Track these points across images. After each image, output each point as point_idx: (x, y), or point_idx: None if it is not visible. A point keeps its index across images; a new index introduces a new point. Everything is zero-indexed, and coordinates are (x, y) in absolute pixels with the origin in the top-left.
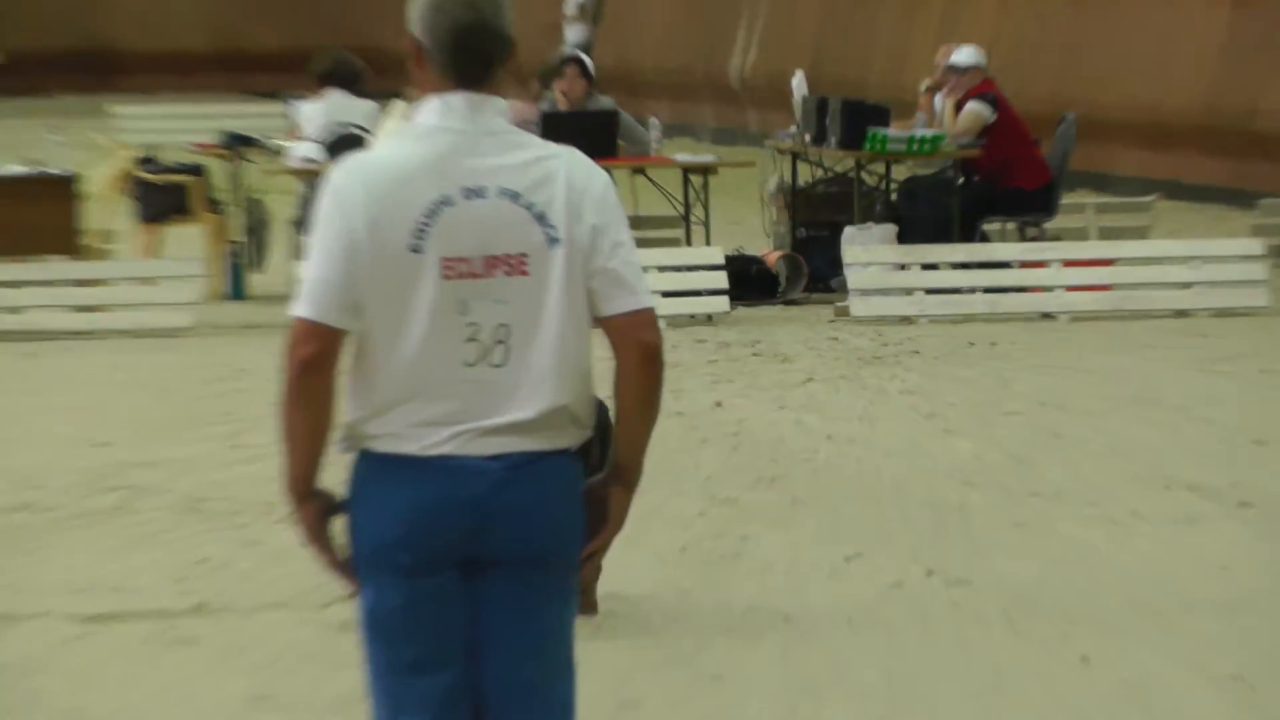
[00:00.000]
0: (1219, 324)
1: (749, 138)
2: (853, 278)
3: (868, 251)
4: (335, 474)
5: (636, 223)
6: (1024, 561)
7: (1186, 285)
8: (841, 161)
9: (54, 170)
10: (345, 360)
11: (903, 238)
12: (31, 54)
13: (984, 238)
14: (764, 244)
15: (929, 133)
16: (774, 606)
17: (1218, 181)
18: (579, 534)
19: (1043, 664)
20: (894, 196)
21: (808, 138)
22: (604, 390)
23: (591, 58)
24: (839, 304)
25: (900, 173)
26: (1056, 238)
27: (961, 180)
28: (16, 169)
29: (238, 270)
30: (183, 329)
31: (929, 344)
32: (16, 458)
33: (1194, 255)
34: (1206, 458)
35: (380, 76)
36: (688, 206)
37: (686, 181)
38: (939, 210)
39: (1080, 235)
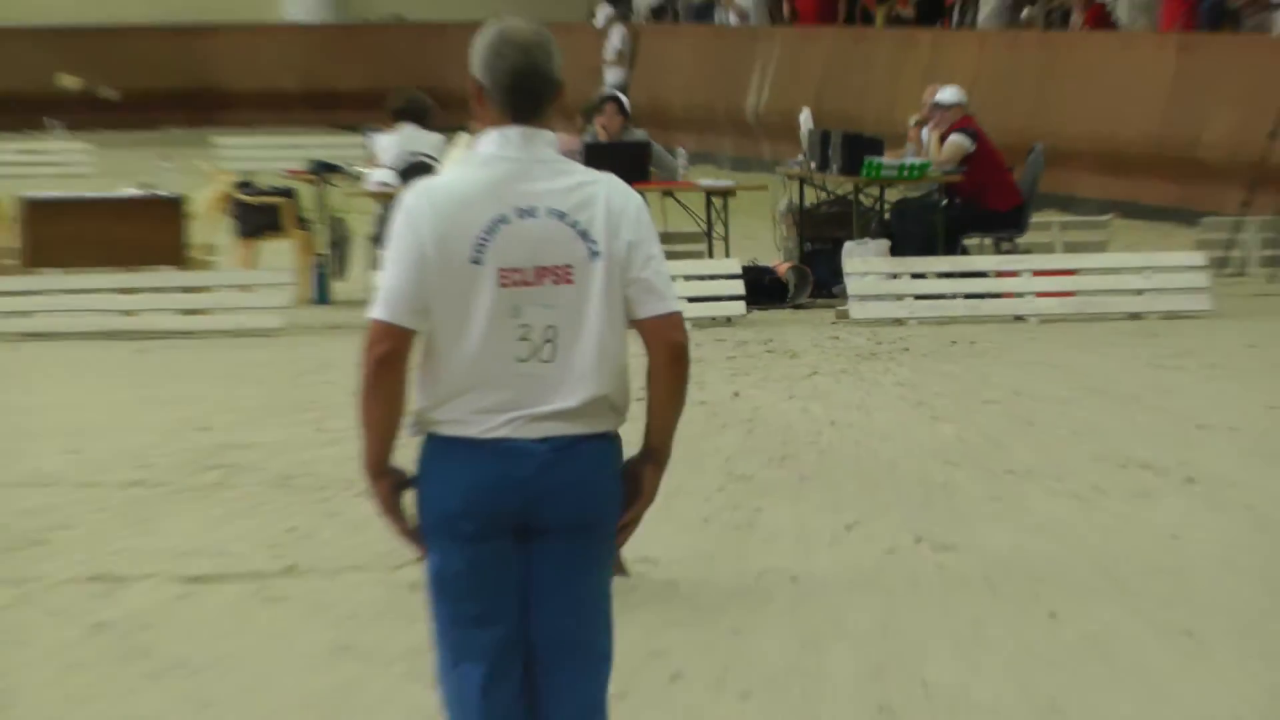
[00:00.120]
0: (1167, 325)
1: (762, 165)
2: (852, 285)
3: (865, 263)
4: (406, 454)
5: (665, 238)
6: (1000, 530)
7: (1139, 292)
8: (842, 185)
9: (164, 193)
10: (415, 356)
11: (895, 251)
12: (144, 92)
13: (964, 251)
14: (775, 256)
15: (917, 161)
16: (783, 569)
17: (1166, 202)
18: (617, 506)
19: (1016, 619)
20: (887, 215)
21: (813, 165)
22: (637, 382)
23: (627, 97)
24: (840, 308)
25: (893, 195)
26: (1027, 251)
27: (945, 202)
28: (132, 191)
29: (323, 279)
30: (275, 329)
31: (917, 343)
32: (131, 440)
33: (1146, 266)
34: (1157, 440)
35: (447, 112)
36: (710, 224)
37: (709, 203)
38: (926, 227)
39: (1047, 248)
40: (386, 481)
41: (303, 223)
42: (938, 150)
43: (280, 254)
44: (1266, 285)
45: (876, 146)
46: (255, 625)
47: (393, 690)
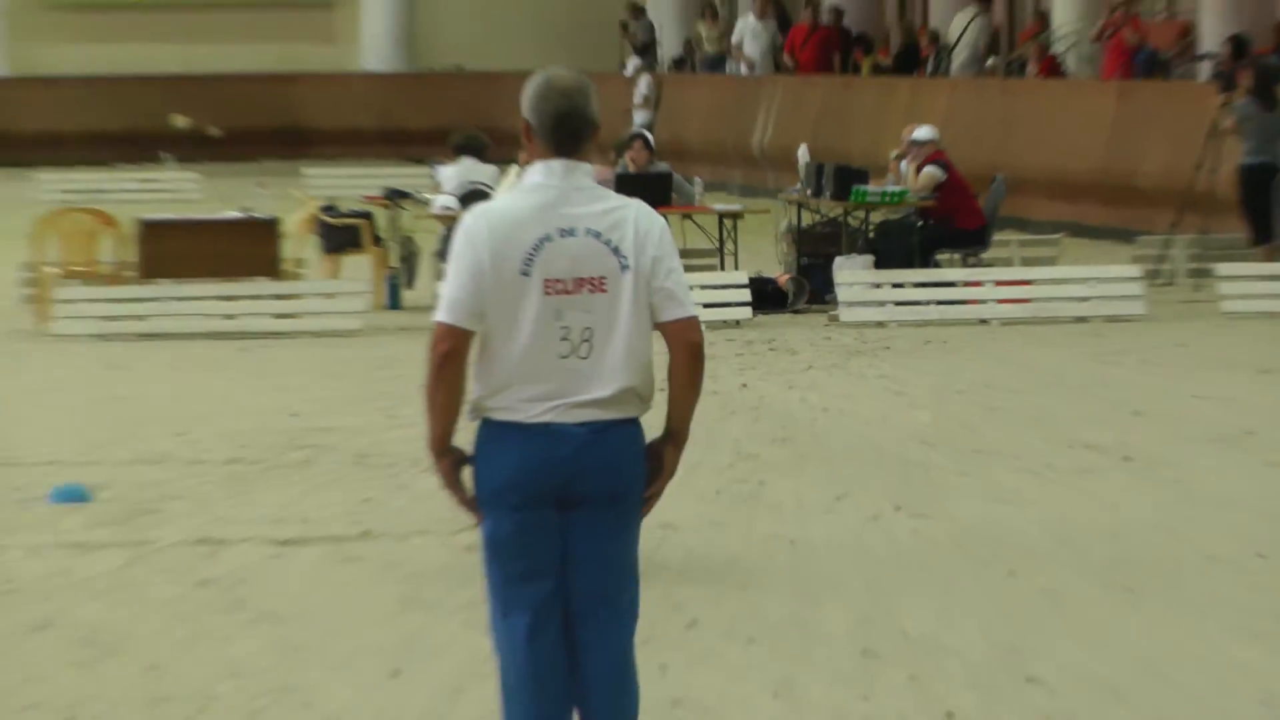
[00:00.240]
0: (1109, 327)
1: (766, 192)
2: (842, 294)
3: (853, 274)
4: (464, 436)
5: (684, 254)
6: (968, 501)
7: (1085, 299)
8: (833, 209)
9: (260, 215)
10: (472, 353)
11: (878, 264)
12: (244, 130)
13: (937, 265)
14: (777, 269)
15: (897, 189)
16: (784, 534)
17: (1107, 224)
18: (642, 481)
19: (981, 577)
20: (872, 235)
21: (809, 192)
22: (660, 376)
23: (653, 135)
24: (832, 313)
25: (876, 217)
26: (990, 264)
27: (921, 223)
28: (234, 214)
29: (395, 288)
30: (354, 331)
31: (897, 342)
32: (231, 424)
33: (1090, 277)
34: (1100, 424)
35: (500, 148)
36: (721, 242)
37: (720, 224)
38: (905, 245)
39: (1007, 262)
40: (448, 459)
41: (378, 241)
42: (914, 180)
43: (359, 267)
44: (1192, 294)
45: (863, 176)
46: (335, 581)
47: (452, 637)
